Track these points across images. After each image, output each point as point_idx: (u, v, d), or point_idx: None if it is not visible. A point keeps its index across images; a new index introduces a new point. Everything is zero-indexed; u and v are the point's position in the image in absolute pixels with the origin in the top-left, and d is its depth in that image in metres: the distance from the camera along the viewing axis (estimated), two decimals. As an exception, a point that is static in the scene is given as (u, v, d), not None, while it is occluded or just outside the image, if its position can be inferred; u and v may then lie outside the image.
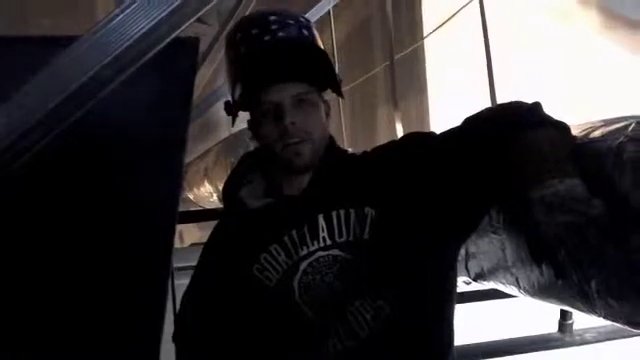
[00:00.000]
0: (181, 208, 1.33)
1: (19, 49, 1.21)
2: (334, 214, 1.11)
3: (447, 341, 1.16)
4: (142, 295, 1.21)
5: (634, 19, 5.31)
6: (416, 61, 5.68)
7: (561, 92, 4.84)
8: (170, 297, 1.60)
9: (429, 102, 5.92)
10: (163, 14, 0.80)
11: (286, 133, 1.08)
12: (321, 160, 1.13)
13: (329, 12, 3.96)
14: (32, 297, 1.17)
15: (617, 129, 0.94)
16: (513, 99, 1.12)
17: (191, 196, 5.04)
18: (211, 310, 1.19)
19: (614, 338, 1.98)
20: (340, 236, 1.10)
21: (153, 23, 0.80)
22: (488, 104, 2.51)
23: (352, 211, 1.11)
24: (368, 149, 1.22)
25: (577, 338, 2.02)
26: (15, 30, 4.97)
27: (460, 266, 1.30)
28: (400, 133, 3.67)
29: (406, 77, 5.09)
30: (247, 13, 3.48)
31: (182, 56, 1.15)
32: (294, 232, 1.11)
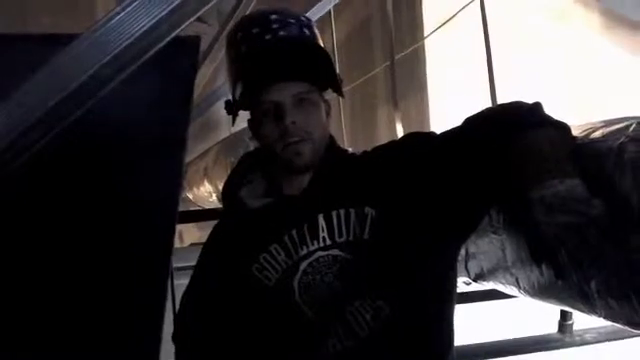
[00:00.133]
0: (180, 208, 1.33)
1: (19, 47, 1.21)
2: (334, 214, 1.11)
3: (447, 341, 1.16)
4: (142, 295, 1.20)
5: (634, 20, 5.31)
6: (416, 61, 5.67)
7: (561, 93, 4.84)
8: (169, 297, 1.60)
9: (429, 102, 5.92)
10: (163, 13, 0.80)
11: (286, 132, 1.08)
12: (321, 160, 1.13)
13: (329, 12, 3.96)
14: (32, 297, 1.17)
15: (618, 129, 0.94)
16: (513, 99, 1.12)
17: (190, 196, 5.04)
18: (210, 310, 1.19)
19: (614, 339, 1.98)
20: (340, 236, 1.10)
21: (153, 22, 0.80)
22: (488, 104, 2.51)
23: (352, 211, 1.11)
24: (368, 149, 1.22)
25: (577, 339, 2.02)
26: (14, 29, 4.97)
27: (460, 266, 1.30)
28: (400, 133, 3.67)
29: (406, 77, 5.08)
30: (247, 12, 3.48)
31: (183, 55, 1.15)
32: (294, 232, 1.11)
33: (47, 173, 1.14)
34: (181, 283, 1.32)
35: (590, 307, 0.99)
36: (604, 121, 1.02)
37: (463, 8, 3.91)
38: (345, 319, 1.09)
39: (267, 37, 1.09)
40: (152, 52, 0.83)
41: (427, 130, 1.24)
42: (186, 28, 0.85)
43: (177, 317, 1.28)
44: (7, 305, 1.15)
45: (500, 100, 2.83)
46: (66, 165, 1.19)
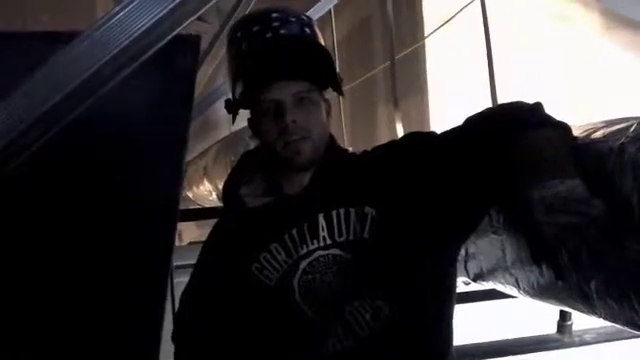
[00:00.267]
0: (180, 206, 1.33)
1: (19, 45, 1.20)
2: (334, 213, 1.11)
3: (446, 341, 1.16)
4: (142, 295, 1.20)
5: (636, 20, 5.31)
6: (417, 61, 5.67)
7: (561, 93, 4.84)
8: (169, 295, 1.60)
9: (429, 102, 5.92)
10: (164, 11, 0.80)
11: (286, 131, 1.08)
12: (321, 159, 1.13)
13: (330, 11, 3.95)
14: (32, 296, 1.17)
15: (618, 130, 0.94)
16: (514, 99, 1.12)
17: (190, 194, 5.03)
18: (210, 309, 1.19)
19: (613, 339, 1.98)
20: (340, 235, 1.10)
21: (154, 20, 0.80)
22: (489, 104, 2.51)
23: (352, 210, 1.11)
24: (368, 148, 1.22)
25: (576, 339, 2.02)
26: (14, 28, 4.96)
27: (460, 266, 1.30)
28: (400, 133, 3.67)
29: (407, 77, 5.08)
30: (247, 11, 3.47)
31: (183, 54, 1.15)
32: (294, 231, 1.11)
33: (48, 172, 1.14)
34: (180, 281, 1.32)
35: (590, 307, 0.99)
36: (605, 121, 1.02)
37: (463, 8, 3.90)
38: (345, 319, 1.09)
39: (268, 35, 1.08)
40: (153, 51, 0.83)
41: (427, 130, 1.24)
42: (186, 27, 0.85)
43: (176, 316, 1.28)
44: (7, 305, 1.15)
45: (500, 100, 2.83)
46: (66, 164, 1.18)
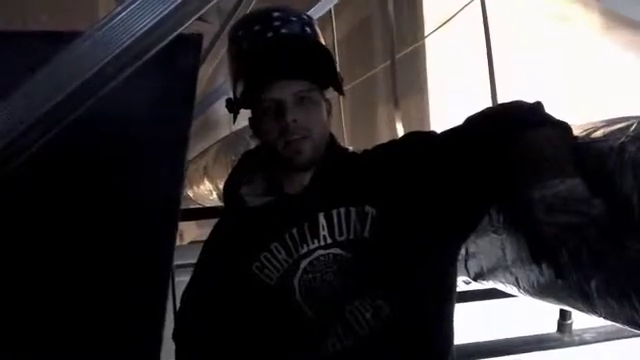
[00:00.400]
0: (181, 206, 1.33)
1: (20, 44, 1.20)
2: (334, 212, 1.11)
3: (447, 340, 1.16)
4: (143, 294, 1.20)
5: (636, 20, 5.31)
6: (417, 60, 5.67)
7: (561, 93, 4.84)
8: (170, 295, 1.60)
9: (430, 101, 5.92)
10: (166, 11, 0.80)
11: (287, 130, 1.08)
12: (322, 158, 1.13)
13: (330, 10, 3.95)
14: (32, 296, 1.17)
15: (619, 129, 0.94)
16: (514, 99, 1.12)
17: (191, 194, 5.03)
18: (211, 308, 1.19)
19: (613, 338, 1.98)
20: (340, 235, 1.10)
21: (156, 20, 0.80)
22: (489, 103, 2.51)
23: (352, 210, 1.11)
24: (369, 148, 1.22)
25: (576, 338, 2.02)
26: (14, 27, 4.96)
27: (460, 265, 1.30)
28: (401, 132, 3.67)
29: (407, 76, 5.08)
30: (248, 11, 3.48)
31: (185, 53, 1.15)
32: (295, 230, 1.11)
33: (49, 172, 1.14)
34: (181, 280, 1.32)
35: (590, 306, 0.99)
36: (605, 120, 1.02)
37: (464, 7, 3.90)
38: (345, 318, 1.09)
39: (269, 35, 1.09)
40: (154, 50, 0.83)
41: (427, 129, 1.25)
42: (187, 26, 0.85)
43: (177, 315, 1.28)
44: (7, 305, 1.15)
45: (500, 100, 2.83)
46: (67, 163, 1.18)
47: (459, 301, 1.20)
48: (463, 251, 1.32)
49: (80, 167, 1.21)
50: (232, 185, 1.21)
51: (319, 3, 3.45)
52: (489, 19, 3.24)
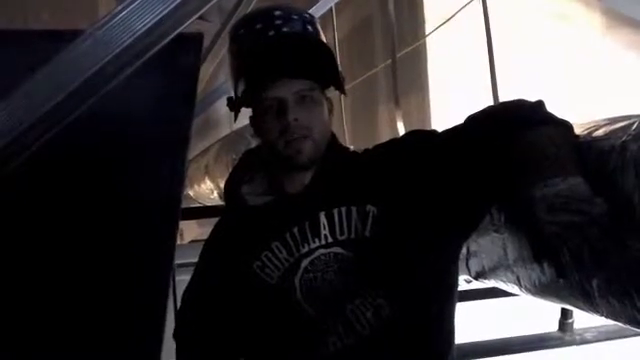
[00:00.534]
0: (182, 205, 1.33)
1: (21, 43, 1.20)
2: (335, 211, 1.11)
3: (448, 340, 1.16)
4: (144, 293, 1.20)
5: (637, 19, 5.30)
6: (418, 59, 5.66)
7: (562, 92, 4.83)
8: (171, 294, 1.60)
9: (430, 100, 5.91)
10: (166, 10, 0.80)
11: (288, 129, 1.08)
12: (323, 158, 1.13)
13: (331, 9, 3.95)
14: (33, 296, 1.17)
15: (620, 127, 0.94)
16: (515, 98, 1.12)
17: (191, 193, 5.03)
18: (212, 307, 1.20)
19: (615, 338, 1.98)
20: (341, 234, 1.10)
21: (156, 19, 0.80)
22: (490, 102, 2.50)
23: (354, 209, 1.11)
24: (369, 147, 1.22)
25: (577, 337, 2.02)
26: (15, 26, 4.96)
27: (461, 264, 1.30)
28: (401, 131, 3.67)
29: (408, 75, 5.08)
30: (249, 10, 3.47)
31: (186, 52, 1.15)
32: (295, 229, 1.11)
33: (50, 171, 1.14)
34: (182, 279, 1.32)
35: (591, 305, 0.99)
36: (607, 119, 1.01)
37: (464, 6, 3.90)
38: (346, 317, 1.09)
39: (270, 33, 1.08)
40: (155, 49, 0.83)
41: (428, 128, 1.24)
42: (187, 25, 0.85)
43: (178, 314, 1.28)
44: (8, 305, 1.15)
45: (502, 99, 2.83)
46: (68, 162, 1.18)
47: (460, 300, 1.20)
48: (464, 250, 1.32)
49: (81, 166, 1.22)
50: (233, 184, 1.21)
51: (320, 2, 3.45)
52: (489, 18, 3.23)
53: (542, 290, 1.12)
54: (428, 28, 5.35)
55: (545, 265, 1.06)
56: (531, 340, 2.07)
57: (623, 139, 0.91)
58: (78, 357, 1.19)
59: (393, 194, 1.11)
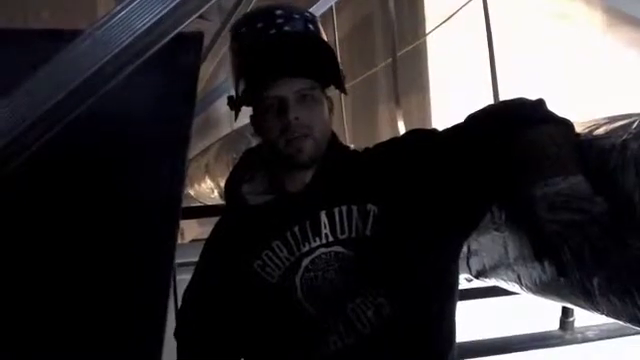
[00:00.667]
0: (182, 204, 1.33)
1: (21, 43, 1.20)
2: (336, 211, 1.11)
3: (448, 339, 1.16)
4: (145, 293, 1.20)
5: (638, 18, 5.30)
6: (418, 58, 5.66)
7: (563, 91, 4.83)
8: (171, 293, 1.60)
9: (431, 99, 5.91)
10: (166, 10, 0.80)
11: (289, 128, 1.08)
12: (323, 157, 1.13)
13: (331, 8, 3.95)
14: (33, 296, 1.17)
15: (621, 126, 0.94)
16: (516, 96, 1.11)
17: (192, 192, 5.03)
18: (212, 306, 1.20)
19: (615, 336, 1.98)
20: (342, 233, 1.10)
21: (156, 19, 0.80)
22: (491, 101, 2.50)
23: (354, 208, 1.11)
24: (370, 146, 1.22)
25: (578, 336, 2.02)
26: (15, 25, 4.96)
27: (462, 263, 1.30)
28: (402, 130, 3.67)
29: (408, 74, 5.07)
30: (249, 9, 3.47)
31: (186, 51, 1.15)
32: (296, 228, 1.11)
33: (50, 170, 1.14)
34: (182, 279, 1.32)
35: (592, 304, 0.99)
36: (607, 118, 1.01)
37: (465, 5, 3.90)
38: (346, 316, 1.09)
39: (271, 32, 1.08)
40: (155, 49, 0.83)
41: (429, 127, 1.24)
42: (187, 25, 0.85)
43: (179, 313, 1.28)
44: (8, 305, 1.15)
45: (502, 98, 2.83)
46: (68, 162, 1.18)
47: (461, 299, 1.20)
48: (465, 248, 1.32)
49: (81, 166, 1.21)
50: (233, 183, 1.21)
51: (320, 0, 3.45)
52: (490, 17, 3.23)
53: (543, 289, 1.12)
54: (428, 27, 5.35)
55: (546, 264, 1.06)
56: (532, 339, 2.08)
57: (624, 138, 0.91)
58: (78, 357, 1.19)
59: (394, 193, 1.11)
